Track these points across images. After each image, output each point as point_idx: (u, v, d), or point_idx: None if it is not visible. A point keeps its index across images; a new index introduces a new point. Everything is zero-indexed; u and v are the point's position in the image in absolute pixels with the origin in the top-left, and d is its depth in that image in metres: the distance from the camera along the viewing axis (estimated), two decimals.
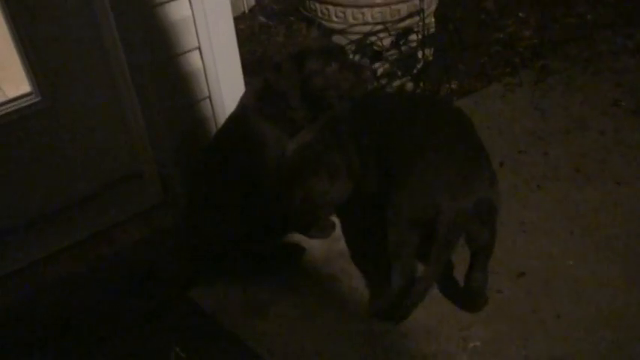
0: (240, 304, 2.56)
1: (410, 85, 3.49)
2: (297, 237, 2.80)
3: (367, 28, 3.30)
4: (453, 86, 3.69)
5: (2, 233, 2.64)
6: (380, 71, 3.35)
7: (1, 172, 2.57)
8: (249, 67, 2.92)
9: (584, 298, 2.45)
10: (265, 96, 2.54)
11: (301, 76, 2.50)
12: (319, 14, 3.34)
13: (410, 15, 3.33)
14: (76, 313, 2.55)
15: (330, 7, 3.29)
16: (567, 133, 3.30)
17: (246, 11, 3.98)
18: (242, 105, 2.60)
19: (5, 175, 2.59)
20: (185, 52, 2.58)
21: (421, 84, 3.52)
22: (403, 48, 3.37)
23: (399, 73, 3.40)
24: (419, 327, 2.39)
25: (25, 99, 2.55)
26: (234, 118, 2.62)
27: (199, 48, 2.58)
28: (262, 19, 3.39)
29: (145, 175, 2.82)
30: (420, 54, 3.42)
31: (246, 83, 2.75)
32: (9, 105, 2.54)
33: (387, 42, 3.35)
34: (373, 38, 3.30)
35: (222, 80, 2.69)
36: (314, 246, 2.76)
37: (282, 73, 2.51)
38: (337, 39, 3.31)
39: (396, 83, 3.42)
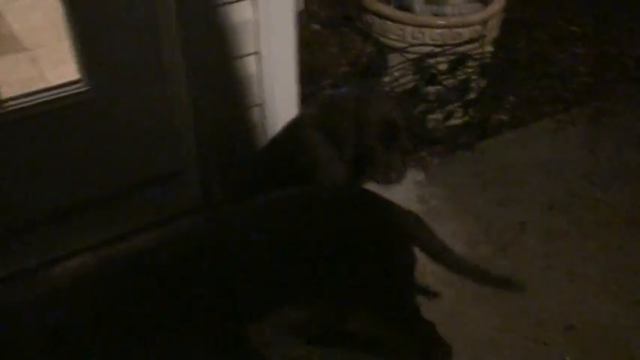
0: None
1: (458, 113, 3.38)
2: None
3: (425, 50, 3.18)
4: (503, 117, 3.58)
5: (30, 225, 2.54)
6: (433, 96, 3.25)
7: (35, 160, 2.47)
8: (303, 77, 2.81)
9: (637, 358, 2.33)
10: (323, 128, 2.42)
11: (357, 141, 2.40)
12: (376, 29, 3.23)
13: (470, 40, 3.21)
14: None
15: (389, 24, 3.18)
16: (620, 179, 3.17)
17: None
18: (300, 123, 2.47)
19: (39, 164, 2.49)
20: (243, 56, 2.48)
21: (469, 112, 3.41)
22: (459, 74, 3.25)
23: (452, 99, 3.30)
24: None
25: (72, 87, 2.45)
26: (290, 133, 2.49)
27: (258, 53, 2.48)
28: (316, 26, 3.28)
29: (186, 175, 2.71)
30: (474, 82, 3.31)
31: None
32: (54, 92, 2.44)
33: (442, 66, 3.24)
34: (430, 60, 3.18)
35: (277, 88, 2.59)
36: None
37: (341, 129, 2.40)
38: (393, 57, 3.20)
39: (448, 108, 3.31)
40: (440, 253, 2.20)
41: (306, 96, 2.81)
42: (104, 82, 2.44)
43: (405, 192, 3.03)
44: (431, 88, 3.26)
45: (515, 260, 2.71)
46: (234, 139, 2.63)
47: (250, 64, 2.53)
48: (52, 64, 3.61)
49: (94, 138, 2.53)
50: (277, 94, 2.60)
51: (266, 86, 2.56)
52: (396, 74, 3.20)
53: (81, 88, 2.43)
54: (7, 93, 2.38)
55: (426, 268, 2.64)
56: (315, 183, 2.44)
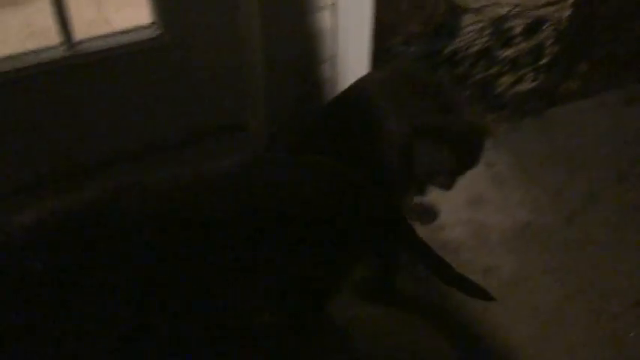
0: None
1: (529, 78, 3.29)
2: None
3: (501, 11, 3.07)
4: (575, 85, 3.46)
5: (98, 166, 2.56)
6: (505, 58, 3.15)
7: (103, 104, 2.48)
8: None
9: None
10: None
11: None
12: None
13: (549, 3, 3.09)
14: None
15: None
16: None
17: None
18: (366, 88, 2.42)
19: (107, 107, 2.50)
20: (319, 9, 2.42)
21: (540, 77, 3.31)
22: (533, 37, 3.15)
23: (524, 64, 3.20)
24: None
25: (144, 31, 2.44)
26: (355, 97, 2.42)
27: (334, 5, 2.42)
28: None
29: (252, 128, 2.69)
30: (549, 47, 3.20)
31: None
32: (126, 35, 2.43)
33: (518, 29, 3.13)
34: (505, 23, 3.08)
35: (351, 42, 2.53)
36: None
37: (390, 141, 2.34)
38: (467, 17, 3.10)
39: (519, 72, 3.22)
40: (422, 255, 2.13)
41: (376, 53, 2.76)
42: (178, 26, 2.41)
43: None
44: (503, 52, 3.17)
45: (583, 232, 2.64)
46: (303, 93, 2.60)
47: (325, 17, 2.47)
48: (115, 7, 3.59)
49: (163, 83, 2.52)
50: (350, 49, 2.55)
51: (340, 40, 2.51)
52: (469, 35, 3.11)
53: (153, 32, 2.42)
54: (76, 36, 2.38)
55: (490, 236, 2.62)
56: (375, 151, 2.38)
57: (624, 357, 2.24)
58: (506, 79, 3.28)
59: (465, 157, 2.42)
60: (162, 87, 2.52)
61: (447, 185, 2.48)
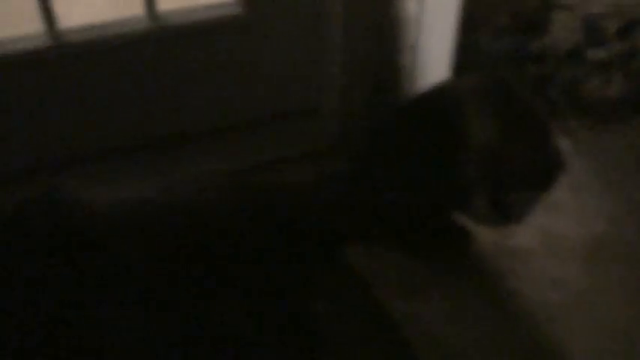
0: (394, 280, 2.40)
1: (619, 80, 3.13)
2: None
3: (595, 9, 2.94)
4: None
5: (169, 143, 2.59)
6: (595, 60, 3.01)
7: (181, 77, 2.50)
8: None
9: None
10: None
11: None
12: None
13: None
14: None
15: None
16: None
17: None
18: (461, 93, 2.36)
19: (184, 81, 2.51)
20: None
21: (631, 82, 3.15)
22: (628, 39, 3.00)
23: (614, 66, 3.05)
24: None
25: (227, 7, 2.43)
26: (446, 98, 2.37)
27: None
28: None
29: (325, 112, 2.66)
30: None
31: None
32: (207, 10, 2.43)
33: (611, 30, 2.99)
34: (598, 22, 2.94)
35: (435, 31, 2.46)
36: (481, 235, 2.54)
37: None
38: (558, 14, 2.98)
39: (608, 75, 3.07)
40: None
41: (461, 45, 2.67)
42: (260, 6, 2.40)
43: None
44: (593, 53, 3.03)
45: None
46: (380, 79, 2.54)
47: (411, 4, 2.41)
48: None
49: (240, 62, 2.52)
50: (434, 39, 2.47)
51: (424, 28, 2.43)
52: (560, 33, 2.99)
53: (236, 9, 2.41)
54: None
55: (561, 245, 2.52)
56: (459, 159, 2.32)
57: None
58: (594, 82, 3.13)
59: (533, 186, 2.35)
60: (239, 65, 2.52)
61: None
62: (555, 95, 3.04)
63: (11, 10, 3.08)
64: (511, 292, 2.36)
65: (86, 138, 2.47)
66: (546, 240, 2.54)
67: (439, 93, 2.41)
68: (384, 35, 2.45)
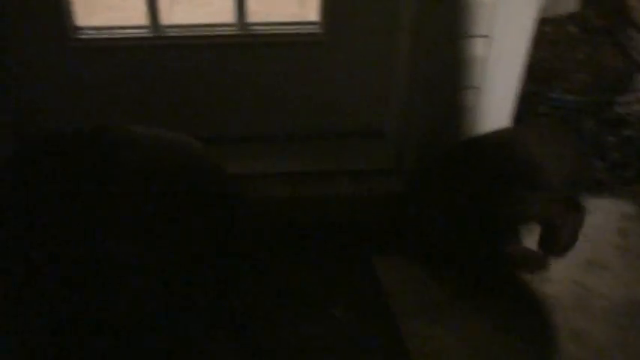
0: (414, 297, 2.50)
1: None
2: None
3: None
4: None
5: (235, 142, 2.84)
6: None
7: (258, 85, 2.75)
8: (534, 74, 2.74)
9: None
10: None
11: None
12: (635, 44, 3.01)
13: None
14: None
15: None
16: None
17: (563, 15, 3.68)
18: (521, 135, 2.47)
19: (256, 86, 2.76)
20: (473, 37, 2.47)
21: None
22: None
23: None
24: None
25: (308, 26, 2.66)
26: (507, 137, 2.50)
27: (489, 37, 2.46)
28: (573, 28, 3.12)
29: (388, 137, 2.80)
30: None
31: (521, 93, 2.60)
32: (290, 26, 2.68)
33: None
34: None
35: (500, 75, 2.54)
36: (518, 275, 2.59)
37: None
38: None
39: None
40: None
41: (530, 93, 2.74)
42: (338, 28, 2.61)
43: (606, 218, 2.85)
44: None
45: None
46: (442, 115, 2.66)
47: (478, 46, 2.52)
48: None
49: (314, 78, 2.74)
50: (498, 80, 2.56)
51: (489, 71, 2.53)
52: None
53: (316, 29, 2.63)
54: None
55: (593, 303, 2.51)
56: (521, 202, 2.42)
57: None
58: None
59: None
60: (313, 81, 2.73)
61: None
62: (627, 158, 3.02)
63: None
64: (528, 335, 2.38)
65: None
66: (581, 293, 2.53)
67: (493, 137, 2.53)
68: (449, 70, 2.57)
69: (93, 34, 2.64)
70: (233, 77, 2.71)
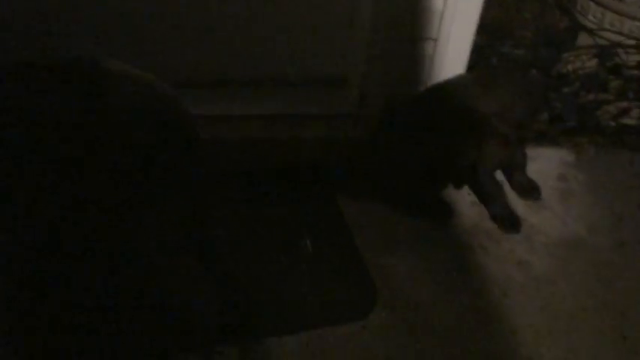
0: (376, 232, 2.71)
1: (635, 113, 3.33)
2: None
3: (617, 39, 3.16)
4: None
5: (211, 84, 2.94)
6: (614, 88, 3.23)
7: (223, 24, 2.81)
8: (488, 31, 2.95)
9: None
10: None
11: None
12: (577, 6, 3.25)
13: None
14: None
15: (591, 4, 3.19)
16: None
17: None
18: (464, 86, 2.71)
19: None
20: None
21: None
22: None
23: (631, 96, 3.25)
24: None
25: None
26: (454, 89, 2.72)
27: None
28: None
29: (351, 81, 2.96)
30: None
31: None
32: None
33: (632, 59, 3.20)
34: (620, 51, 3.16)
35: (456, 29, 2.74)
36: (463, 213, 2.82)
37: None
38: (583, 38, 3.22)
39: (624, 104, 3.28)
40: None
41: (482, 47, 2.95)
42: None
43: (547, 165, 3.10)
44: (613, 80, 3.24)
45: (630, 258, 2.71)
46: (402, 64, 2.84)
47: (438, 3, 2.71)
48: None
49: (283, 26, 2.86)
50: (454, 31, 2.75)
51: (445, 22, 2.72)
52: (581, 56, 3.22)
53: None
54: None
55: (535, 237, 2.75)
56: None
57: None
58: (611, 109, 3.34)
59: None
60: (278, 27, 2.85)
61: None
62: (570, 114, 3.27)
63: None
64: (478, 265, 2.62)
65: None
66: (524, 229, 2.78)
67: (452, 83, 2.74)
68: (411, 25, 2.75)
69: None
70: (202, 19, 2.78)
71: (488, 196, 2.80)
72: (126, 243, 2.04)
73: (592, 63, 3.22)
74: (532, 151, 3.06)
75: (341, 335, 2.28)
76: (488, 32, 2.92)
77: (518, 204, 2.89)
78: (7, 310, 1.93)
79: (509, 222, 2.77)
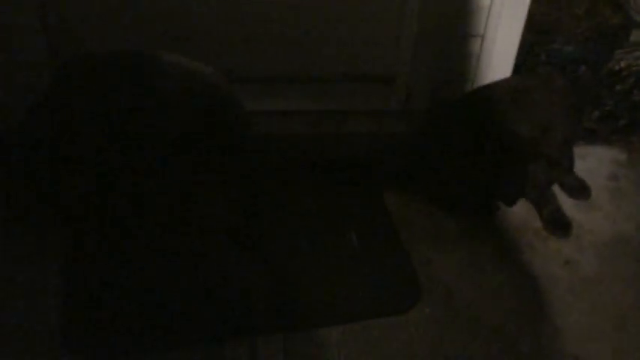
0: (422, 228, 2.72)
1: None
2: None
3: None
4: None
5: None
6: None
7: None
8: (534, 27, 2.92)
9: None
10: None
11: None
12: (631, 3, 3.19)
13: None
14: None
15: None
16: None
17: None
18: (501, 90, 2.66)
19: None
20: None
21: None
22: None
23: None
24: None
25: None
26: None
27: None
28: None
29: (398, 79, 2.96)
30: None
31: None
32: None
33: None
34: None
35: (503, 22, 2.72)
36: (512, 210, 2.79)
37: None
38: (636, 34, 3.16)
39: None
40: None
41: (532, 43, 2.93)
42: None
43: (598, 164, 3.07)
44: None
45: None
46: (448, 61, 2.85)
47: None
48: None
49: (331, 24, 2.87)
50: (501, 29, 2.74)
51: (492, 21, 2.72)
52: (634, 52, 3.17)
53: None
54: None
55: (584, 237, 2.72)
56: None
57: None
58: None
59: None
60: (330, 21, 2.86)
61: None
62: (619, 110, 3.22)
63: None
64: (524, 263, 2.61)
65: None
66: (574, 229, 2.75)
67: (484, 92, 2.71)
68: (457, 21, 2.75)
69: None
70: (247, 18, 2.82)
71: (539, 202, 2.77)
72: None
73: None
74: (582, 150, 3.03)
75: (385, 328, 2.30)
76: (537, 28, 2.90)
77: (567, 202, 2.86)
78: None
79: (560, 226, 2.74)
